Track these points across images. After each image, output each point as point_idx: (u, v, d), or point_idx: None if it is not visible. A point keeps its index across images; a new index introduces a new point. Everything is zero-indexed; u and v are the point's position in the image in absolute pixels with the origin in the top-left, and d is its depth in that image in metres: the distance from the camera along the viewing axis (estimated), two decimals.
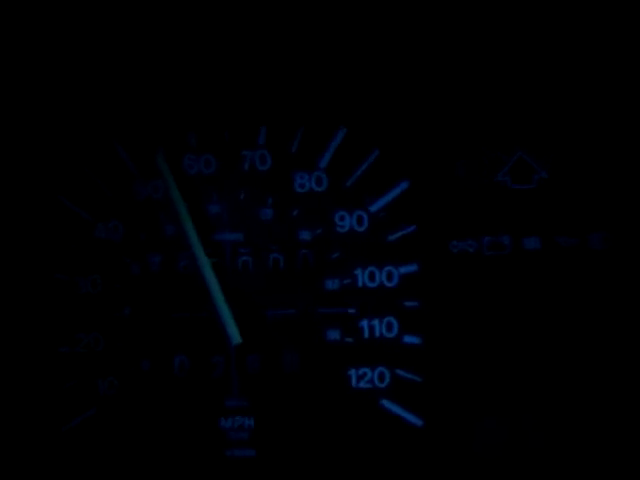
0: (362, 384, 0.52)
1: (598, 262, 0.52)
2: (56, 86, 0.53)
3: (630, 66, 0.52)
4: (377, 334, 0.52)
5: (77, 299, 0.53)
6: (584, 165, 0.52)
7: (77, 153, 0.53)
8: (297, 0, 0.51)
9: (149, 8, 0.51)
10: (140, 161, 0.53)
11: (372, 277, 0.52)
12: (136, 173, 0.53)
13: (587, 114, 0.53)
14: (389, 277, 0.52)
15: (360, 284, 0.52)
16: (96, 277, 0.53)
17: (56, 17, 0.51)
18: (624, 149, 0.52)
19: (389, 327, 0.52)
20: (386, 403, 0.52)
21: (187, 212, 0.51)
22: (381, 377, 0.52)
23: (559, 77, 0.53)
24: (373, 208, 0.52)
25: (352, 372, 0.52)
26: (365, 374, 0.52)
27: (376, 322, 0.52)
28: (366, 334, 0.52)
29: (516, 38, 0.52)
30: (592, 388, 0.52)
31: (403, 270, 0.52)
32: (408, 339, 0.52)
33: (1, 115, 0.53)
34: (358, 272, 0.52)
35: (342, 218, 0.52)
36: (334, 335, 0.52)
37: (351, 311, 0.52)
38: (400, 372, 0.52)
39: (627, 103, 0.52)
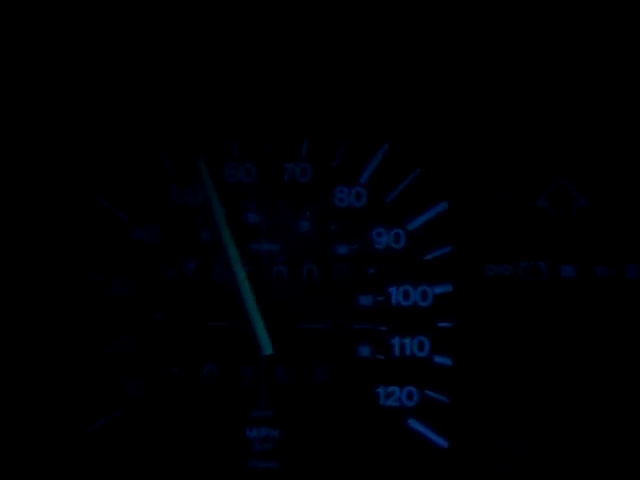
0: (390, 402, 0.52)
1: (634, 293, 0.52)
2: (102, 87, 0.53)
3: None
4: (408, 353, 0.52)
5: (109, 300, 0.53)
6: (623, 194, 0.52)
7: (118, 154, 0.53)
8: (344, 17, 0.51)
9: (202, 15, 0.51)
10: (181, 166, 0.53)
11: (406, 295, 0.52)
12: (176, 177, 0.53)
13: (628, 142, 0.52)
14: (423, 296, 0.52)
15: (394, 302, 0.52)
16: (129, 279, 0.53)
17: (106, 19, 0.51)
18: None
19: (420, 346, 0.52)
20: (412, 423, 0.52)
21: (225, 219, 0.51)
22: (409, 396, 0.52)
23: (601, 103, 0.53)
24: (411, 226, 0.52)
25: (381, 389, 0.52)
26: (393, 392, 0.52)
27: (408, 341, 0.52)
28: (397, 352, 0.52)
29: (563, 64, 0.52)
30: (622, 417, 0.51)
31: (437, 290, 0.52)
32: (439, 359, 0.52)
33: (46, 113, 0.53)
34: (392, 290, 0.52)
35: (379, 235, 0.52)
36: (365, 351, 0.52)
37: (383, 328, 0.52)
38: (429, 392, 0.52)
39: None
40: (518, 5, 0.51)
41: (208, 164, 0.52)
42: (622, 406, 0.51)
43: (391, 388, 0.52)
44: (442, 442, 0.52)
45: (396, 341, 0.52)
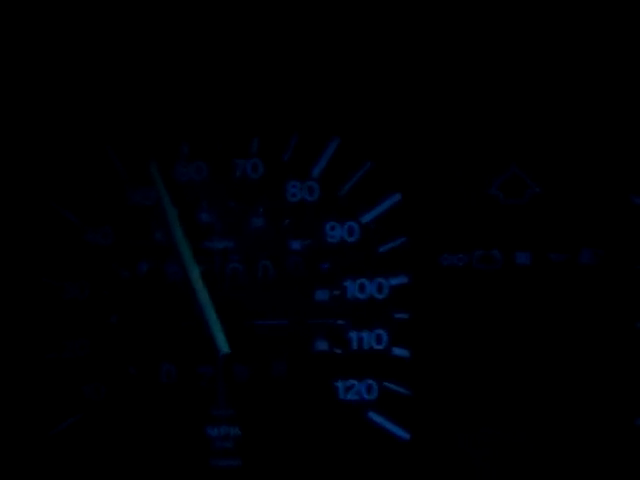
0: (350, 396, 0.52)
1: (588, 278, 0.52)
2: (49, 90, 0.52)
3: (626, 80, 0.52)
4: (366, 346, 0.52)
5: (64, 304, 0.52)
6: (576, 181, 0.52)
7: (69, 157, 0.53)
8: (291, 8, 0.51)
9: (143, 14, 0.50)
10: (132, 167, 0.52)
11: (362, 288, 0.52)
12: (127, 179, 0.52)
13: (580, 130, 0.53)
14: (379, 289, 0.52)
15: (350, 295, 0.52)
16: (84, 282, 0.52)
17: (50, 19, 0.51)
18: (616, 165, 0.52)
19: (378, 339, 0.52)
20: (373, 416, 0.52)
21: (177, 219, 0.51)
22: (369, 389, 0.52)
23: (553, 91, 0.53)
24: (364, 219, 0.52)
25: (340, 383, 0.52)
26: (353, 386, 0.52)
27: (365, 334, 0.52)
28: (355, 345, 0.52)
29: (510, 50, 0.52)
30: (580, 402, 0.52)
31: (393, 282, 0.52)
32: (397, 351, 0.52)
33: None
34: (348, 283, 0.52)
35: (333, 228, 0.52)
36: (322, 346, 0.52)
37: (340, 322, 0.52)
38: (388, 385, 0.52)
39: (620, 120, 0.52)
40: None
41: (159, 165, 0.52)
42: (579, 392, 0.51)
43: (350, 382, 0.52)
44: (403, 434, 0.52)
45: (354, 335, 0.52)
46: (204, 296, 0.50)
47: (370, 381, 0.52)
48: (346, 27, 0.51)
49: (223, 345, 0.50)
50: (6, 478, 0.52)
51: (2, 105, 0.52)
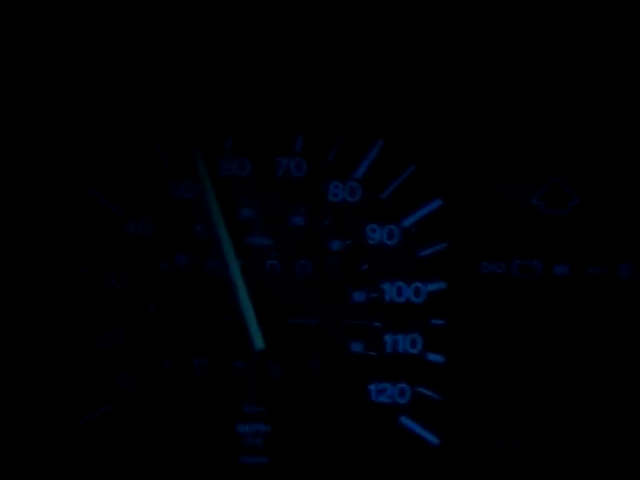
0: (382, 398, 0.52)
1: (627, 292, 0.52)
2: (97, 80, 0.52)
3: None
4: (401, 349, 0.52)
5: (102, 294, 0.52)
6: (617, 194, 0.52)
7: (112, 148, 0.53)
8: (339, 13, 0.51)
9: (199, 11, 0.51)
10: (175, 160, 0.53)
11: (399, 292, 0.52)
12: (170, 171, 0.53)
13: (623, 143, 0.52)
14: (416, 293, 0.52)
15: (387, 298, 0.52)
16: (122, 273, 0.53)
17: (102, 14, 0.51)
18: None
19: (413, 343, 0.52)
20: (404, 420, 0.52)
21: (220, 213, 0.51)
22: (401, 393, 0.52)
23: (599, 104, 0.52)
24: (405, 223, 0.52)
25: (373, 386, 0.52)
26: (386, 389, 0.52)
27: (400, 337, 0.52)
28: (389, 349, 0.52)
29: (558, 64, 0.52)
30: (616, 415, 0.51)
31: (431, 287, 0.52)
32: (432, 357, 0.52)
33: (41, 107, 0.53)
34: (386, 286, 0.52)
35: (373, 231, 0.52)
36: (357, 347, 0.52)
37: (376, 325, 0.52)
38: (421, 389, 0.52)
39: None
40: (515, 5, 0.51)
41: (203, 158, 0.52)
42: (616, 405, 0.51)
43: (383, 385, 0.52)
44: (434, 439, 0.52)
45: (389, 338, 0.52)
46: (243, 292, 0.50)
47: (403, 385, 0.52)
48: (392, 31, 0.52)
49: (258, 341, 0.50)
50: (35, 467, 0.53)
51: (48, 98, 0.53)
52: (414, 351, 0.52)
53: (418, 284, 0.52)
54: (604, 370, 0.52)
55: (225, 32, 0.52)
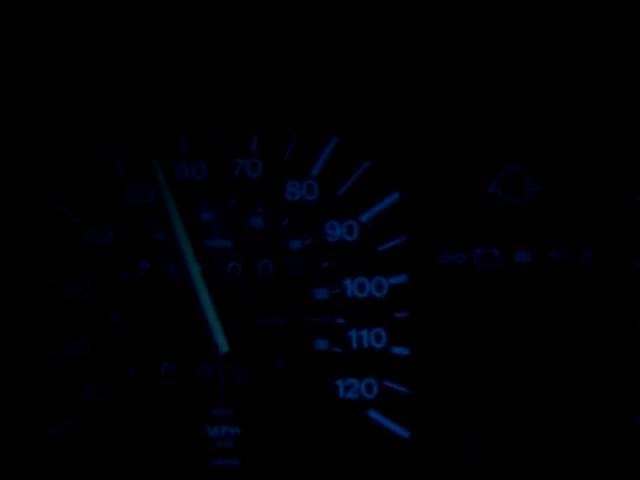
0: (349, 394, 0.52)
1: (588, 276, 0.52)
2: (49, 90, 0.52)
3: (624, 79, 0.52)
4: (365, 344, 0.52)
5: (65, 304, 0.52)
6: (576, 179, 0.52)
7: (68, 156, 0.53)
8: (291, 8, 0.51)
9: (144, 13, 0.51)
10: (131, 166, 0.53)
11: (361, 287, 0.52)
12: (127, 178, 0.52)
13: (580, 128, 0.52)
14: (378, 287, 0.52)
15: (349, 294, 0.52)
16: (84, 282, 0.52)
17: (49, 19, 0.51)
18: (616, 163, 0.52)
19: (378, 338, 0.52)
20: (373, 414, 0.52)
21: (179, 217, 0.51)
22: (369, 388, 0.52)
23: (553, 89, 0.52)
24: (364, 218, 0.52)
25: (339, 382, 0.52)
26: (352, 385, 0.52)
27: (365, 332, 0.52)
28: (354, 344, 0.52)
29: (510, 49, 0.52)
30: (580, 400, 0.51)
31: (393, 281, 0.52)
32: (397, 350, 0.52)
33: None
34: (347, 282, 0.52)
35: (332, 227, 0.52)
36: (322, 345, 0.52)
37: (339, 321, 0.52)
38: (388, 383, 0.52)
39: (620, 118, 0.52)
40: None
41: (160, 163, 0.52)
42: (578, 390, 0.51)
43: (350, 380, 0.52)
44: (403, 433, 0.52)
45: (353, 333, 0.52)
46: (204, 295, 0.51)
47: (370, 380, 0.52)
48: (343, 26, 0.51)
49: (223, 344, 0.50)
50: (5, 478, 0.52)
51: (1, 105, 0.53)
52: (379, 345, 0.52)
53: (380, 278, 0.52)
54: (569, 355, 0.52)
55: (175, 33, 0.52)
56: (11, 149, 0.53)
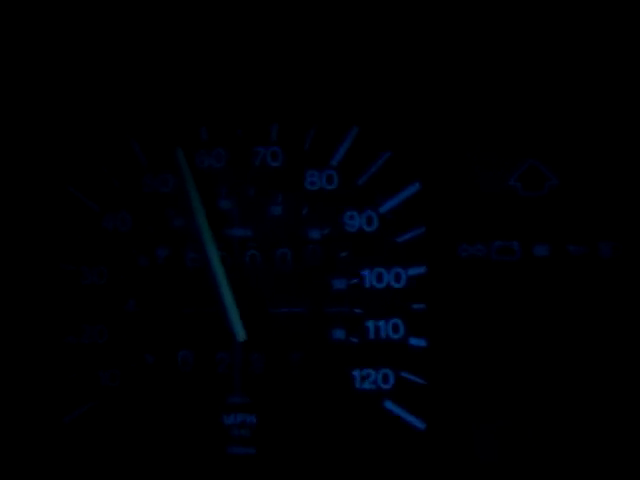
0: (366, 385, 0.52)
1: (607, 271, 0.51)
2: (72, 79, 0.52)
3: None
4: (383, 335, 0.52)
5: (83, 290, 0.52)
6: (595, 173, 0.52)
7: (88, 144, 0.53)
8: (310, 3, 0.51)
9: (167, 7, 0.51)
10: (151, 154, 0.53)
11: (380, 278, 0.52)
12: (146, 166, 0.52)
13: (599, 123, 0.52)
14: (397, 278, 0.52)
15: (367, 284, 0.52)
16: (102, 268, 0.53)
17: (71, 16, 0.51)
18: (635, 158, 0.52)
19: (395, 329, 0.52)
20: (389, 405, 0.52)
21: (200, 205, 0.51)
22: (385, 379, 0.52)
23: (574, 85, 0.52)
24: (383, 209, 0.52)
25: (356, 372, 0.52)
26: (369, 375, 0.52)
27: (382, 323, 0.52)
28: (372, 335, 0.52)
29: (533, 44, 0.52)
30: (597, 395, 0.51)
31: (411, 272, 0.52)
32: (414, 341, 0.52)
33: (18, 105, 0.53)
34: (366, 272, 0.52)
35: (352, 217, 0.52)
36: (339, 335, 0.52)
37: (357, 311, 0.52)
38: (405, 374, 0.52)
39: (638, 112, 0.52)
40: None
41: (183, 151, 0.52)
42: (596, 385, 0.51)
43: (366, 371, 0.52)
44: (419, 424, 0.52)
45: (371, 324, 0.52)
46: (223, 283, 0.50)
47: (386, 370, 0.52)
48: (364, 17, 0.51)
49: (240, 333, 0.50)
50: (22, 462, 0.53)
51: (25, 95, 0.53)
52: (396, 336, 0.52)
53: (398, 269, 0.52)
54: (587, 349, 0.52)
55: (195, 24, 0.52)
56: (32, 136, 0.53)
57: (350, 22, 0.51)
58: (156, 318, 0.52)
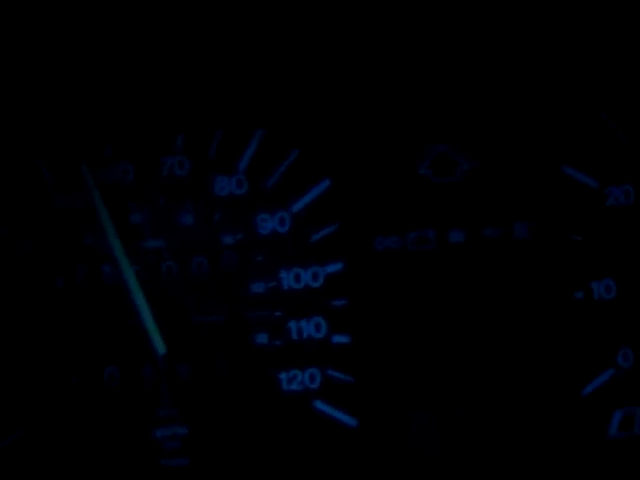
0: (293, 386, 0.52)
1: (524, 251, 0.51)
2: None
3: (551, 51, 0.52)
4: (305, 335, 0.52)
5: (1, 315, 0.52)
6: (506, 155, 0.52)
7: None
8: (214, 6, 0.51)
9: (66, 13, 0.50)
10: (58, 173, 0.52)
11: (297, 278, 0.52)
12: (54, 185, 0.52)
13: (508, 102, 0.52)
14: (314, 277, 0.52)
15: (286, 286, 0.52)
16: (19, 292, 0.52)
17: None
18: (545, 136, 0.52)
19: (317, 327, 0.52)
20: (319, 404, 0.52)
21: (110, 221, 0.51)
22: (312, 378, 0.52)
23: (479, 65, 0.52)
24: (295, 208, 0.52)
25: (283, 375, 0.52)
26: (296, 376, 0.52)
27: (304, 323, 0.52)
28: (295, 336, 0.52)
29: (433, 29, 0.52)
30: (524, 377, 0.51)
31: (328, 269, 0.52)
32: (337, 339, 0.52)
33: None
34: (283, 274, 0.52)
35: (264, 220, 0.52)
36: (262, 339, 0.52)
37: (278, 314, 0.52)
38: (331, 372, 0.52)
39: (548, 90, 0.52)
40: None
41: (89, 168, 0.51)
42: (518, 369, 0.51)
43: (293, 372, 0.52)
44: (351, 421, 0.52)
45: (292, 325, 0.52)
46: (139, 297, 0.50)
47: (313, 370, 0.52)
48: (264, 17, 0.51)
49: (160, 346, 0.50)
50: None
51: None
52: (319, 335, 0.52)
53: (315, 268, 0.52)
54: (510, 332, 0.51)
55: (97, 36, 0.51)
56: None
57: (246, 23, 0.51)
58: (79, 337, 0.52)
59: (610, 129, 0.52)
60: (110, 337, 0.52)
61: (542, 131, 0.52)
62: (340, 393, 0.52)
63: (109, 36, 0.51)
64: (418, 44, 0.52)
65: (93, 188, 0.51)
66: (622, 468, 0.51)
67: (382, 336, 0.52)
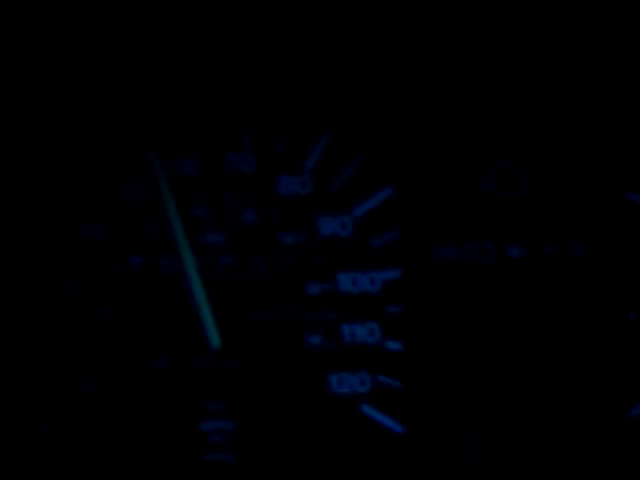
0: (342, 389, 0.52)
1: (580, 270, 0.52)
2: (43, 87, 0.52)
3: (622, 75, 0.52)
4: (359, 339, 0.52)
5: (58, 299, 0.52)
6: (568, 174, 0.52)
7: (62, 153, 0.52)
8: (282, 3, 0.51)
9: (133, 10, 0.50)
10: (124, 161, 0.52)
11: (355, 282, 0.52)
12: (120, 173, 0.52)
13: (575, 123, 0.53)
14: (372, 282, 0.52)
15: (342, 289, 0.52)
16: (78, 277, 0.52)
17: (40, 18, 0.51)
18: (609, 159, 0.52)
19: (371, 332, 0.52)
20: (366, 408, 0.52)
21: (176, 212, 0.51)
22: (362, 382, 0.52)
23: (548, 84, 0.53)
24: (357, 213, 0.52)
25: (333, 377, 0.52)
26: (345, 379, 0.52)
27: (358, 327, 0.52)
28: (348, 339, 0.52)
29: (501, 44, 0.52)
30: (573, 396, 0.52)
31: (386, 275, 0.52)
32: (390, 345, 0.52)
33: None
34: (340, 277, 0.52)
35: (326, 222, 0.52)
36: (315, 340, 0.52)
37: (332, 316, 0.52)
38: (381, 378, 0.52)
39: (616, 114, 0.53)
40: None
41: (159, 157, 0.52)
42: (574, 385, 0.51)
43: (343, 375, 0.52)
44: (397, 427, 0.52)
45: (346, 328, 0.52)
46: (198, 290, 0.50)
47: (363, 374, 0.52)
48: (335, 20, 0.51)
49: (215, 339, 0.50)
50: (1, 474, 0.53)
51: None
52: (372, 340, 0.52)
53: (373, 273, 0.52)
54: (562, 349, 0.52)
55: (166, 29, 0.52)
56: (4, 146, 0.52)
57: (318, 25, 0.51)
58: (132, 325, 0.52)
59: None
60: (163, 327, 0.52)
61: (608, 153, 0.52)
62: (389, 399, 0.52)
63: (183, 28, 0.52)
64: (489, 60, 0.52)
65: (161, 177, 0.51)
66: None
67: (435, 346, 0.52)
